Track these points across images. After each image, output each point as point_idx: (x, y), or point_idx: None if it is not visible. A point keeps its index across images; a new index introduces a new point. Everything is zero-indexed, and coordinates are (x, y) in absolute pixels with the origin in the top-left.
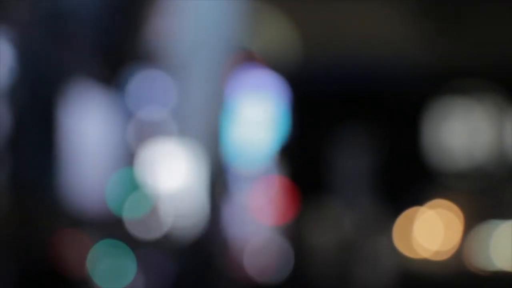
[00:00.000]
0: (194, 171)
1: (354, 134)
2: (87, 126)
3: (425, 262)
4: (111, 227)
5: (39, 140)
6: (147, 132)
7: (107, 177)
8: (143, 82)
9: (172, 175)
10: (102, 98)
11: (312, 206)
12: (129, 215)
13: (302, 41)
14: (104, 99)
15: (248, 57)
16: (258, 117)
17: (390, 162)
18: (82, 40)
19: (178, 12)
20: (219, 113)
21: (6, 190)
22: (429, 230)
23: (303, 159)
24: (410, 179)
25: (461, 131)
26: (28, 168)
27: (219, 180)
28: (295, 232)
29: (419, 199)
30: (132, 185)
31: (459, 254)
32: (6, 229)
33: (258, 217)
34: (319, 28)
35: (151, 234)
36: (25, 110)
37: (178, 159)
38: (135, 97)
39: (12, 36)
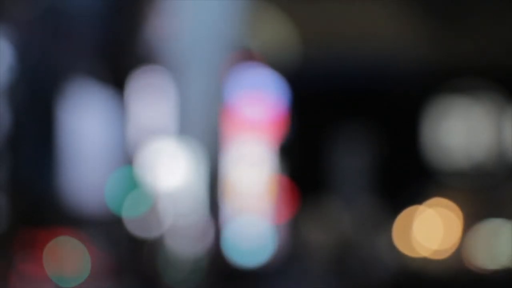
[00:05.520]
0: (193, 170)
1: (353, 133)
2: (87, 125)
3: (425, 260)
4: (110, 225)
5: (39, 139)
6: (146, 131)
7: (107, 176)
8: (143, 81)
9: (171, 174)
10: (101, 97)
11: (311, 204)
12: (129, 214)
13: (301, 40)
14: (104, 98)
15: (248, 56)
16: (257, 115)
17: (389, 160)
18: (82, 39)
19: (178, 11)
20: (218, 112)
21: (6, 189)
22: (429, 229)
23: (302, 158)
24: (410, 178)
25: (460, 130)
26: (27, 167)
27: (218, 178)
28: (294, 230)
29: (418, 198)
30: (132, 184)
31: (458, 252)
32: (7, 228)
33: (258, 215)
34: (318, 27)
35: (151, 232)
36: (25, 109)
37: (177, 158)
38: (135, 96)
39: (12, 36)
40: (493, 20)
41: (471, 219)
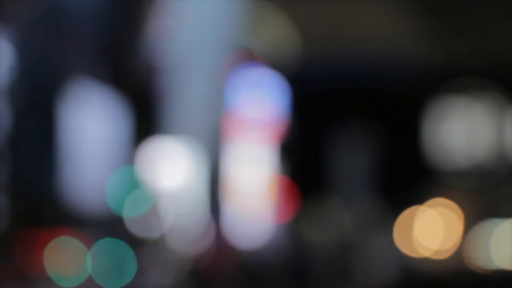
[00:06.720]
0: (194, 170)
1: (354, 133)
2: (87, 124)
3: (426, 260)
4: (111, 225)
5: (39, 139)
6: (147, 131)
7: (108, 175)
8: (143, 81)
9: (172, 174)
10: (102, 97)
11: (311, 204)
12: (130, 213)
13: (302, 40)
14: (104, 98)
15: (248, 56)
16: (257, 115)
17: (389, 160)
18: (82, 39)
19: (178, 11)
20: (219, 111)
21: (6, 189)
22: (430, 229)
23: (302, 158)
24: (410, 178)
25: (460, 130)
26: (28, 167)
27: (219, 178)
28: (294, 230)
29: (419, 198)
30: (133, 184)
31: (459, 252)
32: (7, 228)
33: (258, 215)
34: (319, 27)
35: (152, 232)
36: (25, 109)
37: (178, 158)
38: (135, 96)
39: (12, 36)
40: (493, 20)
41: (472, 219)
